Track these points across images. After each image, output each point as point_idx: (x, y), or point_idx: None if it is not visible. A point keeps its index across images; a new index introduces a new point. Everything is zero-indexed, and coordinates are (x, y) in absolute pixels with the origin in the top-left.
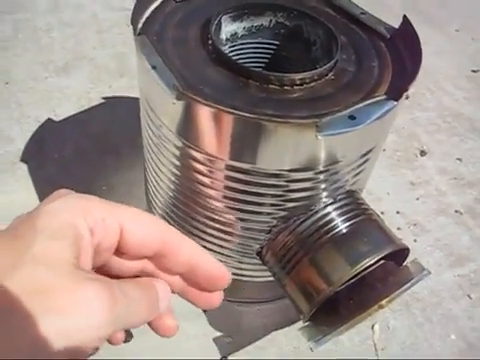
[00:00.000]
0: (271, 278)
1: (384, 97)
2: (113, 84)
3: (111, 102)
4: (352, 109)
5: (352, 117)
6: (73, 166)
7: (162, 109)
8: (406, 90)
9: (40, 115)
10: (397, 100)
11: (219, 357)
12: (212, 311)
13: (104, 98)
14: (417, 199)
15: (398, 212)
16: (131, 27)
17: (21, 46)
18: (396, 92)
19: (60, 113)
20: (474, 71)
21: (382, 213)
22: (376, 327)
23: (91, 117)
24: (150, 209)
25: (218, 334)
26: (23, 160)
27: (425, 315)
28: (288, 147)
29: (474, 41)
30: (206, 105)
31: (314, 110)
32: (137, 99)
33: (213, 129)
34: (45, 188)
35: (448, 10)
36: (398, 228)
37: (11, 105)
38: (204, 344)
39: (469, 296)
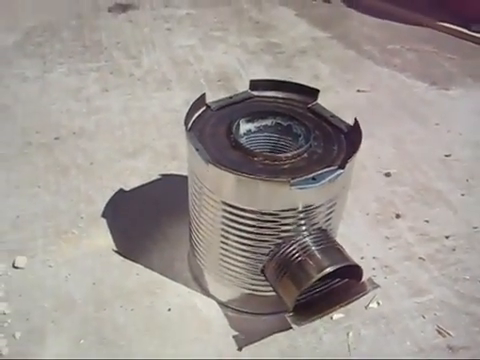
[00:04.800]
0: (273, 293)
1: (336, 167)
2: (167, 165)
3: (166, 178)
4: (314, 174)
5: (313, 178)
6: (138, 222)
7: (202, 175)
8: (347, 162)
9: (115, 186)
10: (343, 168)
11: (236, 348)
12: (232, 318)
13: (161, 175)
14: (390, 249)
15: (374, 257)
16: (182, 124)
17: (102, 137)
18: (343, 164)
19: (129, 185)
20: (446, 156)
21: (362, 258)
22: (350, 334)
23: (151, 188)
24: (192, 248)
25: (235, 333)
26: (103, 216)
27: (388, 328)
28: (277, 196)
29: (449, 133)
30: (225, 171)
31: (291, 175)
32: (184, 177)
33: (230, 185)
34: (120, 236)
35: (431, 108)
36: (373, 268)
37: (95, 180)
38: (225, 338)
39: (423, 316)
